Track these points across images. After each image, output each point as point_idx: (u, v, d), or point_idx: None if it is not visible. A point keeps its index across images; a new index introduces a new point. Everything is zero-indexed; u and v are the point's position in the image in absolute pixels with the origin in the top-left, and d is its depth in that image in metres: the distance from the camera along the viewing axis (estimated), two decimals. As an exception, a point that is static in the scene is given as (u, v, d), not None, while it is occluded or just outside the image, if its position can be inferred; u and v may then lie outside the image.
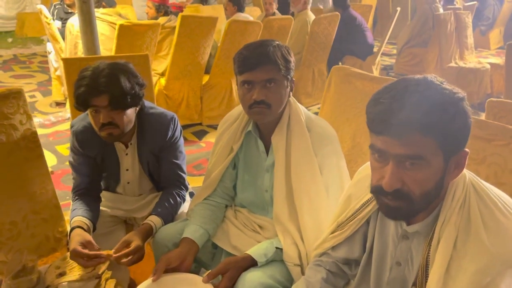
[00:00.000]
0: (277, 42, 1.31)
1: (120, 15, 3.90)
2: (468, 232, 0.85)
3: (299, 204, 1.33)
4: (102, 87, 1.31)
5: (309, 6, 4.62)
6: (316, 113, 1.57)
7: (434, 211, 0.92)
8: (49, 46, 4.29)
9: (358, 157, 1.72)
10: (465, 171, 0.90)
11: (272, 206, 1.40)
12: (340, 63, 4.91)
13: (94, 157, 1.54)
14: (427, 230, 0.93)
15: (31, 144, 1.51)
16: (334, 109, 1.83)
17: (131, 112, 1.42)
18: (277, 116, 1.36)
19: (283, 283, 1.27)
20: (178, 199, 1.58)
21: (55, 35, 3.94)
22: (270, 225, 1.41)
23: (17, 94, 1.45)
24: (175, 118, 1.58)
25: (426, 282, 0.89)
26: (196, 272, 1.50)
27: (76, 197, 1.53)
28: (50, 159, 3.23)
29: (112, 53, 3.24)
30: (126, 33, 3.19)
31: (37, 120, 3.93)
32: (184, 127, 3.89)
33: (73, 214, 1.44)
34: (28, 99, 4.42)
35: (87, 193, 1.55)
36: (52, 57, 4.28)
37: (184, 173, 1.64)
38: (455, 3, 6.03)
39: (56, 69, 4.24)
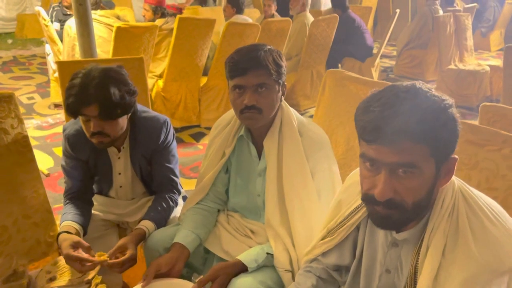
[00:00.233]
0: (269, 47, 1.31)
1: (118, 17, 3.89)
2: (456, 240, 0.85)
3: (290, 209, 1.32)
4: (92, 98, 1.29)
5: (307, 8, 4.62)
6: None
7: (424, 219, 0.91)
8: (48, 48, 4.29)
9: (352, 161, 1.71)
10: (454, 178, 0.90)
11: (264, 211, 1.39)
12: (339, 65, 4.90)
13: (86, 160, 1.54)
14: (416, 237, 0.92)
15: (23, 149, 1.50)
16: (328, 112, 1.82)
17: (122, 120, 1.41)
18: (269, 120, 1.35)
19: (274, 289, 1.26)
20: (170, 203, 1.58)
21: (53, 37, 3.94)
22: (262, 230, 1.40)
23: (8, 98, 1.44)
24: (167, 122, 1.57)
25: None
26: (188, 277, 1.50)
27: (67, 201, 1.53)
28: (47, 161, 3.22)
29: (110, 56, 3.23)
30: (123, 35, 3.18)
31: (35, 122, 3.93)
32: (182, 129, 3.88)
33: (63, 219, 1.44)
34: (27, 101, 4.51)
35: (78, 197, 1.54)
36: (50, 59, 4.28)
37: (177, 177, 1.64)
38: (455, 5, 6.02)
39: (54, 71, 4.23)
